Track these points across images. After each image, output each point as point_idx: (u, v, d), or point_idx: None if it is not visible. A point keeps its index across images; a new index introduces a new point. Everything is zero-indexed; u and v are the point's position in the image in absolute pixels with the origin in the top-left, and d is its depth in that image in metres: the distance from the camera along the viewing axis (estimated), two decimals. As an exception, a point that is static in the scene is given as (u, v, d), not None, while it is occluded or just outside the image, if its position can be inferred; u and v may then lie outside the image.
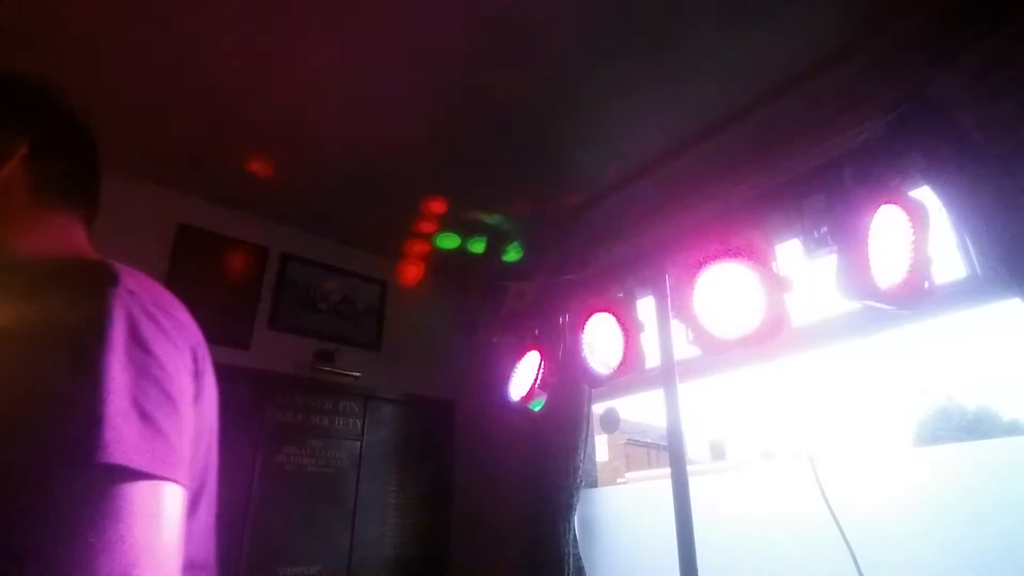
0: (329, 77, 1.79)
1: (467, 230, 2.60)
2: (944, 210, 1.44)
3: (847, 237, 1.41)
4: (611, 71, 1.74)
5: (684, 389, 1.88)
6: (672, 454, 1.81)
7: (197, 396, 0.61)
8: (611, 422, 2.41)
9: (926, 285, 1.41)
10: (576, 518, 2.14)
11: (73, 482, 0.45)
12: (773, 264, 1.56)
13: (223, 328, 2.33)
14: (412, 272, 2.95)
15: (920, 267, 1.42)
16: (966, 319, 1.57)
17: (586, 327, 2.06)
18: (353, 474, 2.48)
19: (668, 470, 1.80)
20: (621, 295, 2.05)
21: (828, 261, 1.47)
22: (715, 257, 1.66)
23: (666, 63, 1.71)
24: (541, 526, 2.13)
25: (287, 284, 2.56)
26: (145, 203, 2.28)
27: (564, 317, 2.27)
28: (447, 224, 2.57)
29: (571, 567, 2.05)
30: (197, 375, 0.62)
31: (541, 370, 2.20)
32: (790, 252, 1.67)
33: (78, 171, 0.75)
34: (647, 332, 1.92)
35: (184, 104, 1.91)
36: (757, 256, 1.57)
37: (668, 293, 1.91)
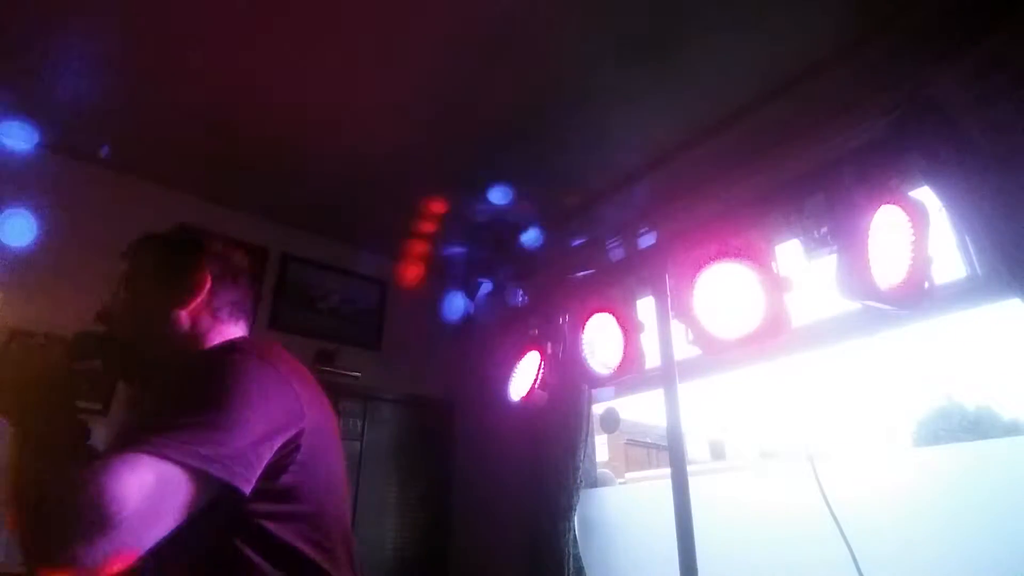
0: (329, 77, 1.79)
1: (467, 230, 2.59)
2: (944, 210, 1.44)
3: (847, 237, 1.41)
4: (611, 71, 1.74)
5: (684, 389, 1.88)
6: (672, 454, 1.81)
7: None
8: (611, 422, 2.40)
9: (926, 285, 1.41)
10: (576, 518, 2.14)
11: None
12: (773, 264, 1.56)
13: (223, 328, 2.32)
14: (412, 272, 2.94)
15: (920, 267, 1.42)
16: (966, 319, 1.57)
17: (586, 327, 2.06)
18: (353, 474, 2.48)
19: (668, 470, 1.80)
20: (621, 295, 2.05)
21: (828, 261, 1.47)
22: (715, 257, 1.66)
23: (666, 63, 1.71)
24: (541, 526, 2.13)
25: (287, 284, 2.56)
26: (145, 203, 2.28)
27: (564, 317, 2.27)
28: (447, 224, 2.57)
29: (571, 567, 2.05)
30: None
31: (541, 370, 2.20)
32: (790, 252, 1.67)
33: (243, 297, 1.04)
34: (647, 332, 1.92)
35: (184, 104, 1.91)
36: (757, 256, 1.57)
37: (668, 293, 1.91)
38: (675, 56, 1.68)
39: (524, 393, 2.22)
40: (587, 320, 2.06)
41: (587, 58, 1.70)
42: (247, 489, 0.74)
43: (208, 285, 0.98)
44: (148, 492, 0.67)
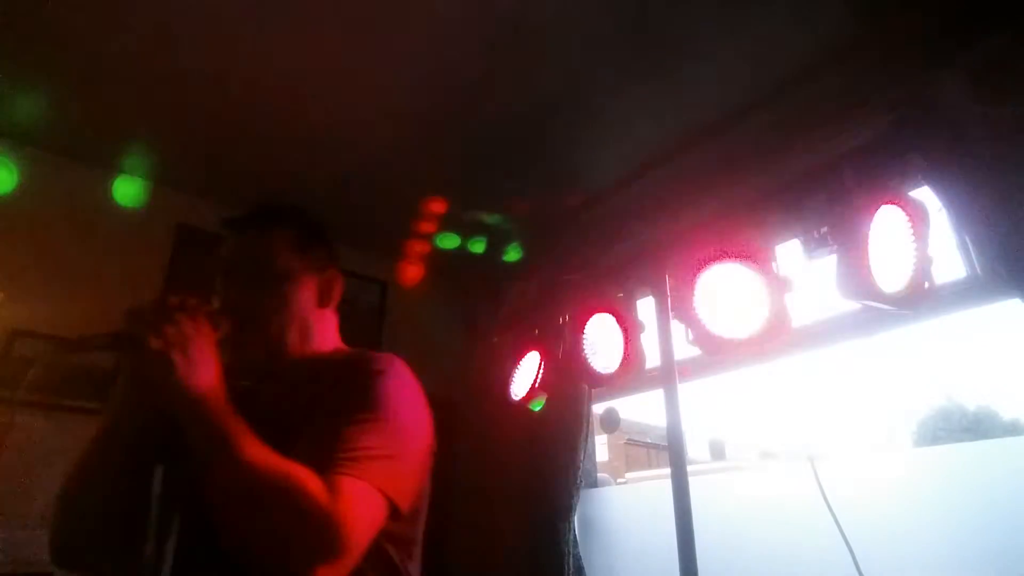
0: (329, 77, 1.79)
1: (467, 230, 2.60)
2: (944, 210, 1.44)
3: (847, 237, 1.41)
4: (611, 71, 1.74)
5: (684, 389, 1.88)
6: (672, 454, 1.81)
7: None
8: (611, 422, 2.41)
9: (926, 285, 1.41)
10: (576, 518, 2.14)
11: None
12: (773, 264, 1.56)
13: (223, 328, 2.32)
14: (412, 272, 2.94)
15: (920, 267, 1.42)
16: (966, 319, 1.57)
17: (586, 327, 2.06)
18: (353, 474, 2.47)
19: (668, 470, 1.80)
20: (621, 295, 2.05)
21: (828, 261, 1.47)
22: (715, 257, 1.66)
23: (666, 63, 1.70)
24: (541, 526, 2.13)
25: (287, 284, 2.55)
26: (145, 203, 2.28)
27: (564, 317, 2.27)
28: (447, 224, 2.57)
29: (571, 567, 2.05)
30: None
31: (541, 370, 2.20)
32: (790, 252, 1.67)
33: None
34: (647, 332, 1.92)
35: (184, 104, 1.91)
36: (757, 256, 1.57)
37: (668, 293, 1.91)
38: (675, 56, 1.68)
39: (524, 393, 2.22)
40: (587, 320, 2.06)
41: (587, 58, 1.70)
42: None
43: (336, 279, 1.02)
44: (371, 521, 0.75)
